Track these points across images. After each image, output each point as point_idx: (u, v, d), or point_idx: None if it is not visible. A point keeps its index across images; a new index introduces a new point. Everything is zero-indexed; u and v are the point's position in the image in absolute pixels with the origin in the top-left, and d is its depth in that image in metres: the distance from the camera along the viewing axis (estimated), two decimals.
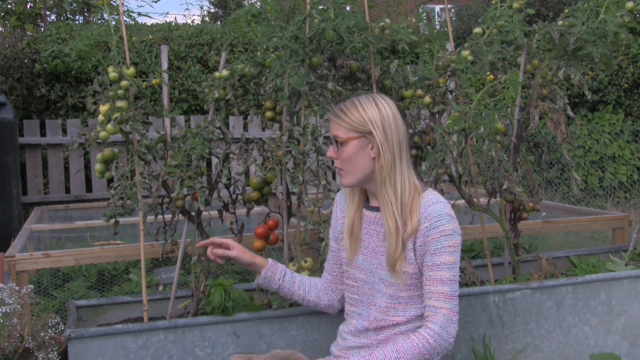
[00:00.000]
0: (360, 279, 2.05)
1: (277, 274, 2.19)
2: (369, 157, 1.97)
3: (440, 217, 1.93)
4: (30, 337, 2.32)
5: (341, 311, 2.21)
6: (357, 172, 1.98)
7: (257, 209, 3.30)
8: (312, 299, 2.21)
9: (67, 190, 5.86)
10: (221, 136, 2.64)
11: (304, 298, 2.21)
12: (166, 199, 2.58)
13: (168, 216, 2.64)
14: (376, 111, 1.96)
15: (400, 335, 1.97)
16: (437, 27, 12.07)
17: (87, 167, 5.94)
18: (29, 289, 2.52)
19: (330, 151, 2.01)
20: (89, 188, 5.94)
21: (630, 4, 2.72)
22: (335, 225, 2.18)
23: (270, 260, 2.21)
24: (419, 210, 1.95)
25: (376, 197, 2.03)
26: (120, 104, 2.39)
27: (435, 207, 1.94)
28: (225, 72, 2.65)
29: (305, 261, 2.49)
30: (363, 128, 1.95)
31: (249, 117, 3.00)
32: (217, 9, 16.57)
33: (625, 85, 7.53)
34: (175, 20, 11.10)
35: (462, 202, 2.87)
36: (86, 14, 8.53)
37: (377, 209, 2.03)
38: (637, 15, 2.84)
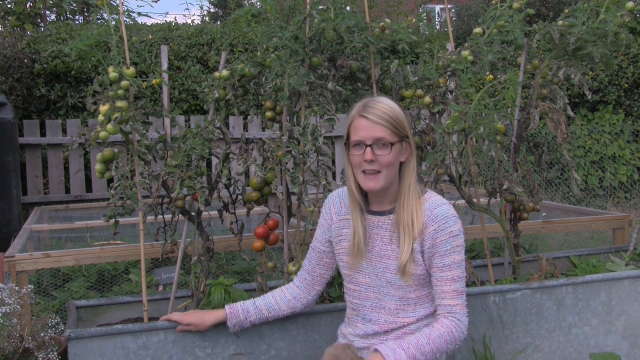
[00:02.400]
0: (364, 283, 2.05)
1: (241, 315, 2.20)
2: (399, 160, 1.97)
3: (447, 219, 1.95)
4: (30, 337, 2.32)
5: (342, 312, 2.21)
6: (391, 176, 1.96)
7: (257, 209, 3.30)
8: (286, 311, 2.23)
9: (67, 190, 5.86)
10: (221, 136, 2.64)
11: (279, 315, 2.23)
12: (166, 199, 2.58)
13: (168, 216, 2.64)
14: (404, 115, 1.98)
15: (408, 334, 1.98)
16: (437, 27, 12.07)
17: (87, 167, 5.94)
18: (29, 289, 2.52)
19: (369, 154, 1.91)
20: (89, 188, 5.94)
21: (630, 4, 2.72)
22: (330, 228, 2.14)
23: (226, 307, 2.21)
24: (424, 213, 1.95)
25: (382, 201, 2.02)
26: (120, 104, 2.39)
27: (441, 209, 1.96)
28: (225, 72, 2.65)
29: None
30: (403, 132, 1.95)
31: (249, 117, 3.00)
32: (217, 9, 16.56)
33: (626, 85, 7.53)
34: (175, 20, 11.10)
35: (462, 202, 2.87)
36: (86, 14, 8.53)
37: (380, 213, 2.03)
38: (637, 15, 2.84)
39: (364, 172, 1.94)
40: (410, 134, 1.98)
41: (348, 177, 2.02)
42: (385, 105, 1.94)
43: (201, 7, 23.11)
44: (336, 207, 2.13)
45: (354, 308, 2.09)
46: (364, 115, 1.92)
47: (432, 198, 1.99)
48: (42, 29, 7.65)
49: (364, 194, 2.05)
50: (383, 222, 2.02)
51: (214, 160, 4.94)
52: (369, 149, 1.91)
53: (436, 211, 1.95)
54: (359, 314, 2.07)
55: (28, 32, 7.04)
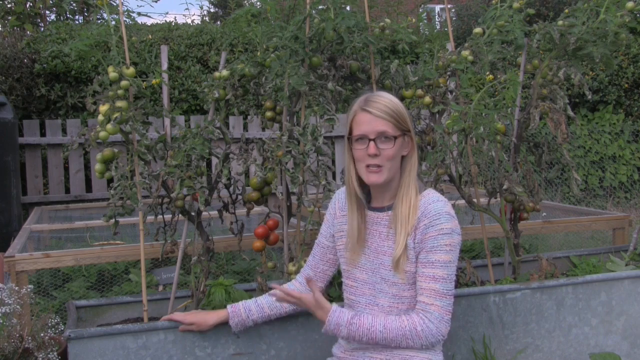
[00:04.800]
0: (360, 279, 2.05)
1: (242, 314, 2.19)
2: (401, 154, 1.98)
3: (440, 216, 1.93)
4: (30, 337, 2.32)
5: None
6: (394, 170, 1.96)
7: (257, 209, 3.30)
8: (288, 308, 2.23)
9: (67, 190, 5.86)
10: (221, 136, 2.64)
11: (281, 313, 2.23)
12: (166, 199, 2.58)
13: (168, 216, 2.64)
14: (405, 109, 1.98)
15: None
16: (437, 27, 12.07)
17: (87, 167, 5.94)
18: (29, 289, 2.52)
19: (373, 148, 1.91)
20: (88, 188, 5.94)
21: (630, 4, 2.72)
22: (333, 223, 2.16)
23: (228, 307, 2.21)
24: (419, 208, 1.95)
25: (383, 197, 2.02)
26: (120, 104, 2.39)
27: (435, 205, 1.95)
28: (225, 72, 2.65)
29: (305, 261, 2.49)
30: (405, 126, 1.96)
31: (249, 117, 3.00)
32: (217, 9, 16.56)
33: (626, 85, 7.53)
34: (175, 20, 11.09)
35: (462, 202, 2.87)
36: (86, 14, 8.53)
37: (380, 209, 2.03)
38: (637, 15, 2.84)
39: (367, 166, 1.94)
40: (412, 128, 1.98)
41: (348, 172, 2.02)
42: (387, 99, 1.95)
43: (201, 7, 23.11)
44: (341, 203, 2.15)
45: (350, 305, 2.09)
46: (367, 110, 1.93)
47: (430, 195, 1.99)
48: (42, 29, 7.65)
49: (366, 190, 2.05)
50: (382, 218, 2.02)
51: (214, 160, 4.94)
52: (372, 143, 1.92)
53: (430, 207, 1.94)
54: (354, 310, 2.07)
55: (28, 32, 7.03)
